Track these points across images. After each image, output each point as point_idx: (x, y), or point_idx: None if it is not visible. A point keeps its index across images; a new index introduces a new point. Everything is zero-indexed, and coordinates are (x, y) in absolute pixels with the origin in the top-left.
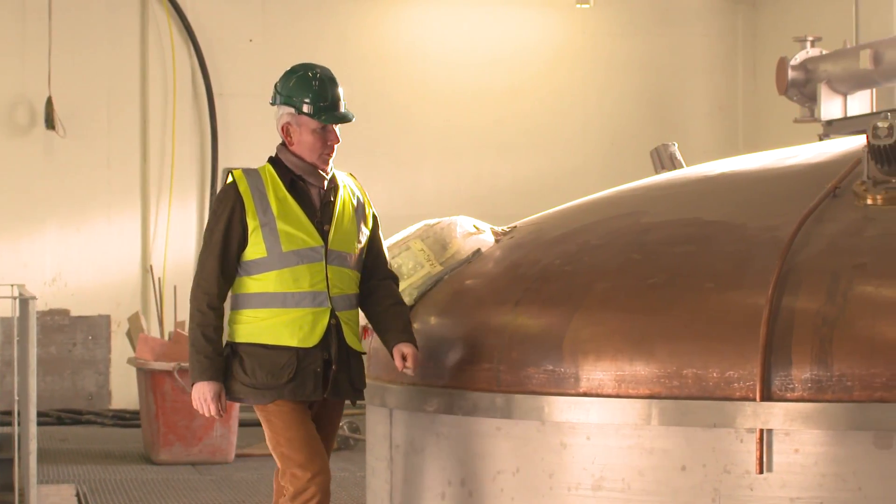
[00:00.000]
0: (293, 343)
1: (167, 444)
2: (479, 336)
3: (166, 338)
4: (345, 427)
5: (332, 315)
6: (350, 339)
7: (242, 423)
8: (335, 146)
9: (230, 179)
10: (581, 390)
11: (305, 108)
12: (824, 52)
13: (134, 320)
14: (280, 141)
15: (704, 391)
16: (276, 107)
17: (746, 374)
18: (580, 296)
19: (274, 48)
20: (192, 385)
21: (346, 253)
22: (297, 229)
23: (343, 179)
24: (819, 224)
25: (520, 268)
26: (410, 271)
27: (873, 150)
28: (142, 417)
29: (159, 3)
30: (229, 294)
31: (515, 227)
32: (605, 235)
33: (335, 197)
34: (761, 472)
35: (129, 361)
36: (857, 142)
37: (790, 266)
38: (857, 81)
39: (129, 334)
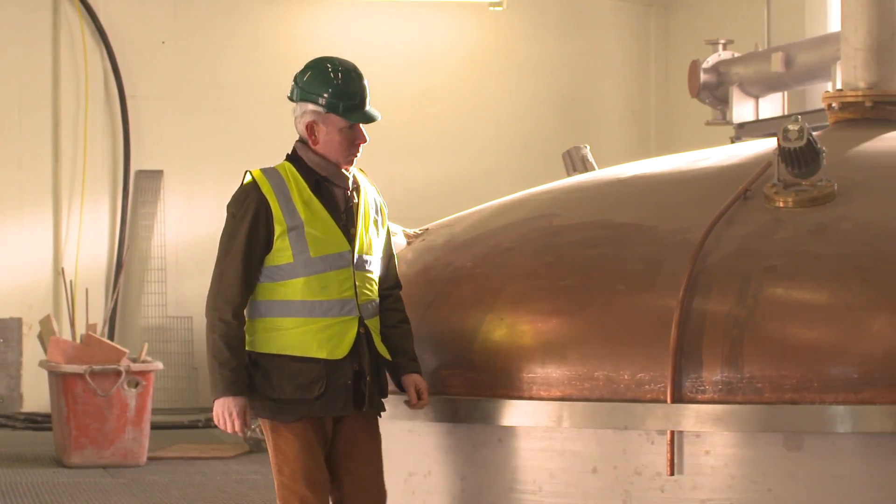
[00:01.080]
0: (322, 355)
1: (79, 447)
2: None
3: (78, 341)
4: (257, 429)
5: (361, 323)
6: (380, 348)
7: (154, 426)
8: (361, 146)
9: (248, 179)
10: (493, 393)
11: (334, 106)
12: (736, 54)
13: (45, 323)
14: (298, 138)
15: (616, 393)
16: (295, 103)
17: (657, 377)
18: (492, 298)
19: (186, 50)
20: (215, 400)
21: (370, 257)
22: (325, 234)
23: (359, 178)
24: (730, 227)
25: (431, 270)
26: None
27: (784, 153)
28: (53, 421)
29: (71, 4)
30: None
31: (427, 229)
32: (517, 238)
33: (358, 198)
34: (672, 473)
35: (41, 364)
36: (769, 144)
37: (701, 268)
38: (768, 84)
39: (40, 337)
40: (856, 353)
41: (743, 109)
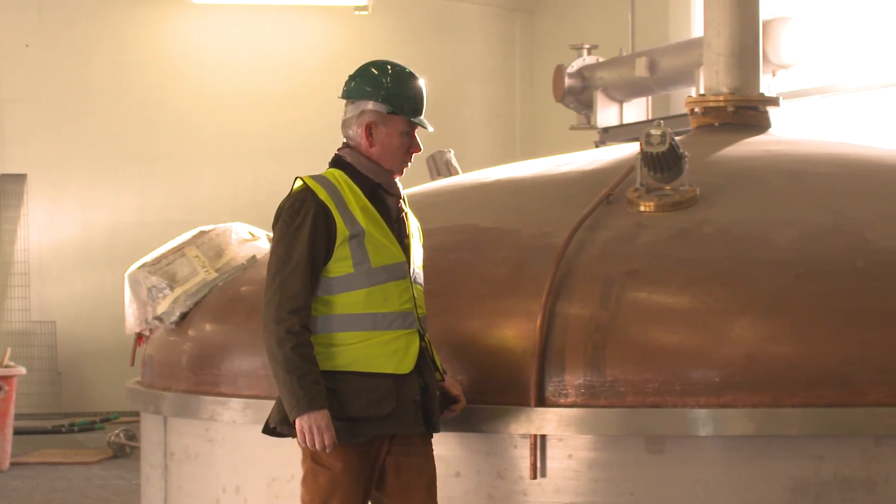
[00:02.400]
0: (389, 369)
1: None
2: (254, 343)
3: None
4: (121, 434)
5: (422, 337)
6: (438, 364)
7: (17, 432)
8: (413, 156)
9: (299, 185)
10: None
11: (400, 107)
12: (601, 59)
13: None
14: (343, 144)
15: (480, 397)
16: (351, 102)
17: (521, 381)
18: None
19: (51, 54)
20: (298, 416)
21: (420, 271)
22: (384, 243)
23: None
24: (593, 231)
25: None
26: (185, 278)
27: (646, 158)
28: None
29: None
30: None
31: None
32: None
33: (406, 207)
34: (535, 477)
35: None
36: (632, 149)
37: (564, 272)
38: (632, 89)
39: None
40: (717, 356)
41: (607, 114)
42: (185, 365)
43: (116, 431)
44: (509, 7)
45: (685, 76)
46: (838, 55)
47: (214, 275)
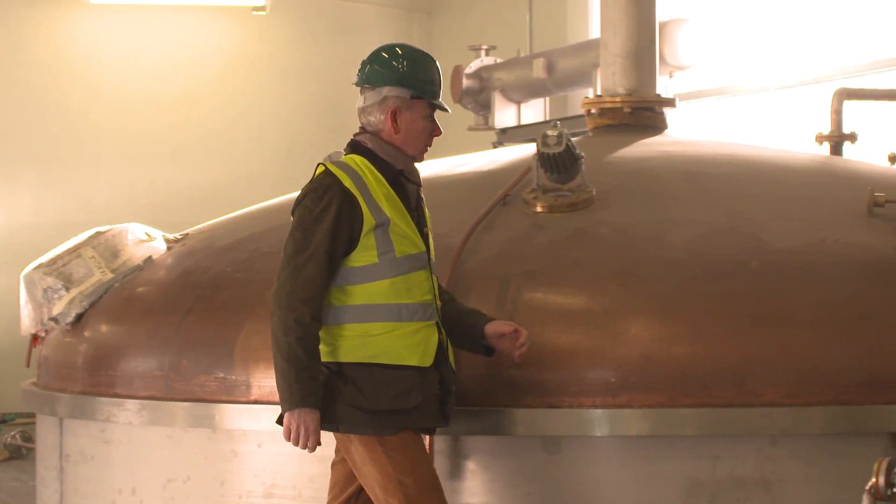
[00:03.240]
0: (413, 362)
1: None
2: (150, 344)
3: None
4: (17, 436)
5: (439, 329)
6: (451, 358)
7: None
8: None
9: (321, 170)
10: (252, 398)
11: (424, 91)
12: (499, 60)
13: None
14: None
15: None
16: (370, 88)
17: None
18: (251, 303)
19: None
20: (287, 411)
21: (434, 260)
22: (407, 232)
23: None
24: (490, 231)
25: (191, 275)
26: (81, 279)
27: (543, 159)
28: None
29: None
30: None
31: (188, 234)
32: (276, 243)
33: (422, 195)
34: None
35: None
36: (529, 150)
37: (461, 272)
38: (530, 90)
39: None
40: (613, 356)
41: (505, 115)
42: (80, 366)
43: (13, 433)
44: (407, 8)
45: (583, 77)
46: (735, 56)
47: (111, 276)
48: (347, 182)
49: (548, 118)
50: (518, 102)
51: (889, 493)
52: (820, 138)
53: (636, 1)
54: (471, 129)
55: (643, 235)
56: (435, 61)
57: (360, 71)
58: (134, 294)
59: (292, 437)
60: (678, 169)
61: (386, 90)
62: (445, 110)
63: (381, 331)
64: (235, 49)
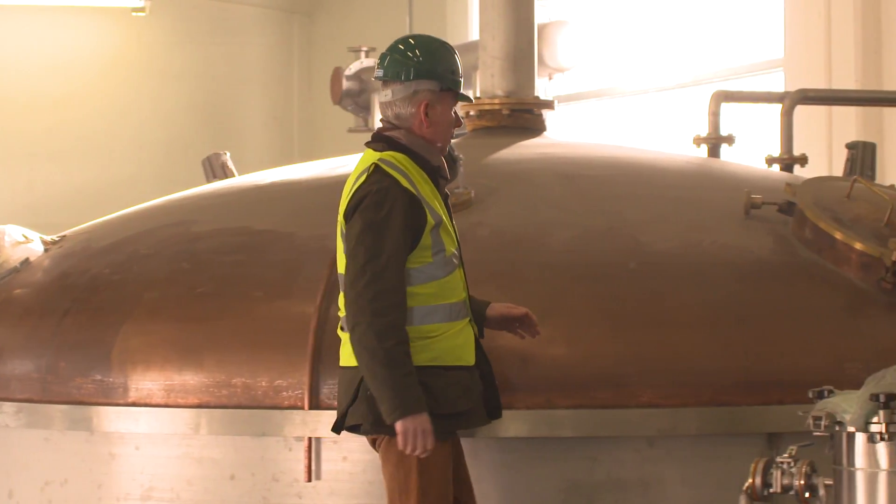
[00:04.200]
0: (464, 361)
1: None
2: (27, 346)
3: None
4: None
5: (473, 325)
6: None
7: None
8: None
9: (372, 168)
10: (130, 400)
11: (455, 83)
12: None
13: None
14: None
15: (253, 400)
16: (398, 82)
17: (295, 383)
18: (129, 306)
19: None
20: (402, 418)
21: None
22: (450, 229)
23: None
24: None
25: (69, 277)
26: None
27: None
28: None
29: None
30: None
31: (65, 236)
32: (154, 244)
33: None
34: (310, 480)
35: None
36: None
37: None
38: None
39: None
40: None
41: None
42: None
43: None
44: (287, 9)
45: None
46: (615, 59)
47: None
48: (405, 183)
49: None
50: None
51: (765, 493)
52: (697, 140)
53: (515, 3)
54: (351, 130)
55: (522, 237)
56: (455, 51)
57: (382, 64)
58: (11, 296)
59: (410, 444)
60: (557, 171)
61: (416, 84)
62: (469, 100)
63: (440, 332)
64: (114, 50)
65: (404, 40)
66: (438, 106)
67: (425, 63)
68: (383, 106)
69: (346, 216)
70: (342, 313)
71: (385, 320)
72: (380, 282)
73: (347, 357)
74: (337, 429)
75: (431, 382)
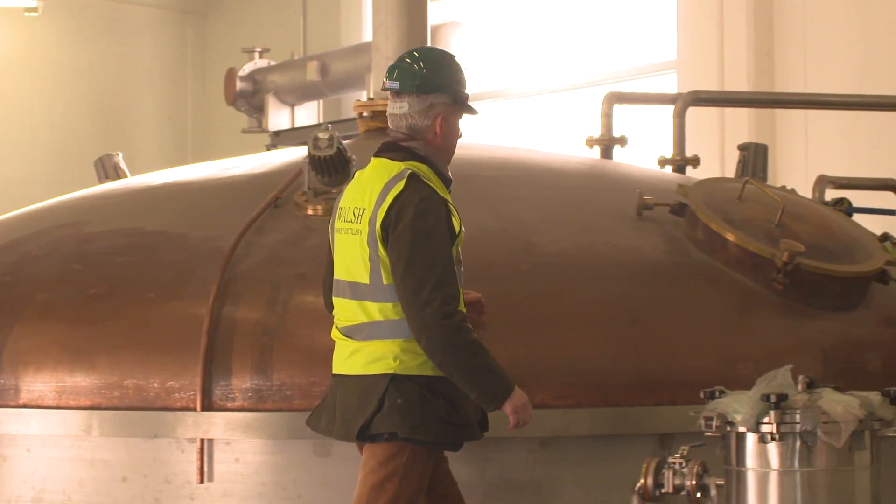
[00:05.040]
0: None
1: None
2: None
3: None
4: None
5: None
6: None
7: None
8: None
9: (407, 177)
10: (21, 402)
11: (465, 97)
12: (272, 63)
13: None
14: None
15: (146, 402)
16: (414, 95)
17: (187, 385)
18: (21, 307)
19: None
20: (510, 396)
21: None
22: (461, 241)
23: None
24: (261, 234)
25: None
26: None
27: (314, 161)
28: None
29: None
30: (385, 321)
31: None
32: (46, 245)
33: None
34: (202, 481)
35: None
36: (301, 153)
37: (231, 276)
38: (304, 92)
39: None
40: None
41: (279, 117)
42: None
43: None
44: (181, 10)
45: (356, 80)
46: (509, 60)
47: None
48: (443, 191)
49: (321, 121)
50: (292, 105)
51: (657, 493)
52: (590, 142)
53: (408, 4)
54: (244, 131)
55: None
56: (460, 64)
57: (393, 76)
58: None
59: (521, 419)
60: (450, 172)
61: (433, 97)
62: (475, 113)
63: None
64: (6, 50)
65: (416, 52)
66: (451, 119)
67: (441, 77)
68: (396, 118)
69: (387, 225)
70: (348, 322)
71: (456, 319)
72: (443, 287)
73: (364, 365)
74: (360, 437)
75: (452, 394)
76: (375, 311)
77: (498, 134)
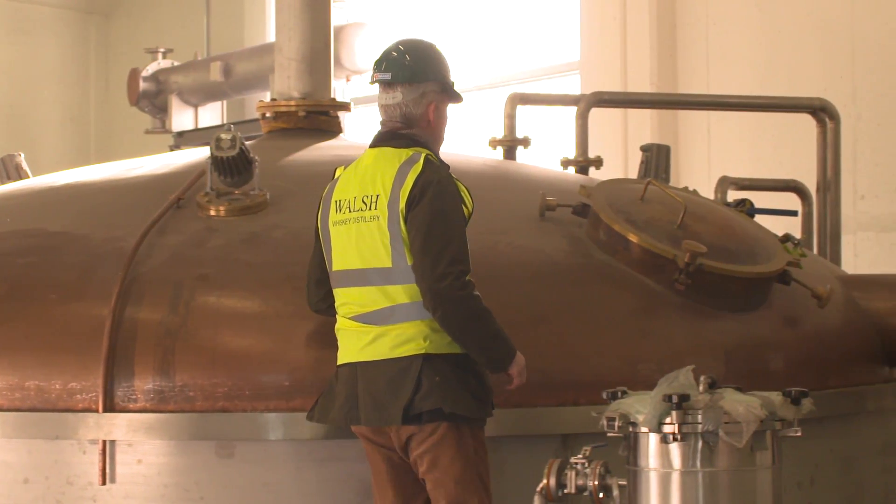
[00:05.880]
0: None
1: None
2: None
3: None
4: None
5: None
6: None
7: None
8: None
9: (418, 157)
10: None
11: (452, 85)
12: (176, 63)
13: None
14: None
15: (47, 403)
16: (409, 84)
17: (89, 386)
18: None
19: None
20: (514, 359)
21: None
22: None
23: None
24: (162, 235)
25: None
26: None
27: (216, 162)
28: None
29: None
30: (412, 302)
31: None
32: None
33: None
34: (104, 483)
35: None
36: (204, 153)
37: (134, 277)
38: (207, 93)
39: None
40: (286, 360)
41: (183, 118)
42: None
43: None
44: (84, 10)
45: (260, 81)
46: None
47: None
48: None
49: (225, 122)
50: (195, 106)
51: (560, 493)
52: (493, 143)
53: (311, 5)
54: (148, 132)
55: None
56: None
57: (382, 68)
58: None
59: (523, 380)
60: None
61: (424, 86)
62: (461, 101)
63: None
64: None
65: (401, 45)
66: (441, 106)
67: (430, 66)
68: (389, 108)
69: (412, 203)
70: (364, 308)
71: (470, 290)
72: (458, 263)
73: (391, 349)
74: (406, 420)
75: (473, 368)
76: (401, 293)
77: None
